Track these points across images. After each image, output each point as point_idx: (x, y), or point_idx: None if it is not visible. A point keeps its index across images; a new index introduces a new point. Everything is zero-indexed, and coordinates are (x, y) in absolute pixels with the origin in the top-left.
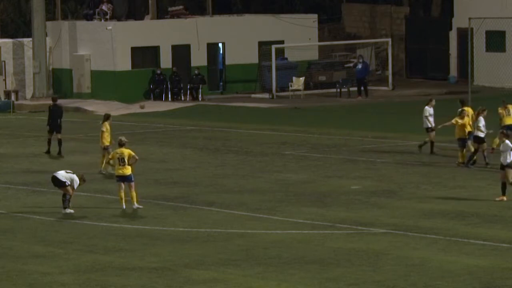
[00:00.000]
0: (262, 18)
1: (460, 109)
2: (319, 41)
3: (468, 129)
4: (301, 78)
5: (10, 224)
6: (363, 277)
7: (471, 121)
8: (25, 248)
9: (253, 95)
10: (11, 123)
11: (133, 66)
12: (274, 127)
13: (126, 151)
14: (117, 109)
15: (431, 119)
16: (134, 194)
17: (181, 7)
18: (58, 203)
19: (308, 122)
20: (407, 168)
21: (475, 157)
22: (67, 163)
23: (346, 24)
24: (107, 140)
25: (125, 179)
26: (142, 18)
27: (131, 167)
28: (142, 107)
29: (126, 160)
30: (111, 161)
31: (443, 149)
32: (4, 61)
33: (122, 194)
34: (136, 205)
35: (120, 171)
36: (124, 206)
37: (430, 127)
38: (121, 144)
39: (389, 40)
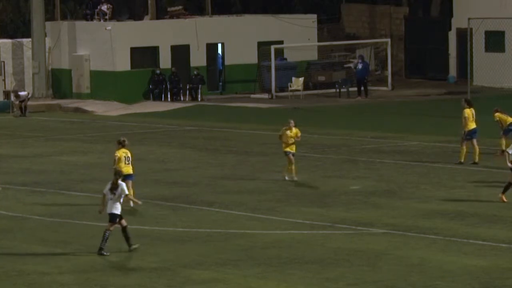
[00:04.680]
0: (261, 18)
1: None
2: (319, 41)
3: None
4: (300, 78)
5: (10, 224)
6: (363, 277)
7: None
8: (24, 248)
9: (252, 95)
10: (11, 123)
11: (132, 66)
12: (274, 127)
13: (129, 151)
14: (116, 109)
15: None
16: (132, 192)
17: (180, 7)
18: (57, 203)
19: (308, 122)
20: (407, 168)
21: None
22: (67, 163)
23: (345, 24)
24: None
25: (130, 177)
26: (141, 18)
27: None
28: None
29: (131, 159)
30: (115, 167)
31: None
32: (4, 62)
33: None
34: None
35: (126, 170)
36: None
37: None
38: (123, 145)
39: (389, 40)
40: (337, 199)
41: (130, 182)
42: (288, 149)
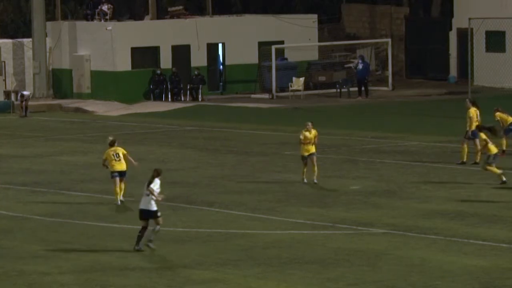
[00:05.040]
0: (262, 18)
1: None
2: (319, 41)
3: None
4: (301, 79)
5: (10, 224)
6: (363, 277)
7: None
8: (25, 248)
9: (253, 96)
10: (11, 123)
11: (133, 66)
12: (274, 127)
13: (119, 149)
14: (117, 109)
15: None
16: (123, 187)
17: (181, 7)
18: (57, 203)
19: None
20: (407, 168)
21: None
22: (67, 163)
23: (345, 24)
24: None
25: (122, 174)
26: (142, 19)
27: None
28: None
29: (121, 156)
30: (106, 162)
31: None
32: (4, 62)
33: (118, 190)
34: (122, 198)
35: (118, 166)
36: (119, 202)
37: None
38: (111, 145)
39: (389, 40)
40: (337, 199)
41: (125, 180)
42: (305, 153)
